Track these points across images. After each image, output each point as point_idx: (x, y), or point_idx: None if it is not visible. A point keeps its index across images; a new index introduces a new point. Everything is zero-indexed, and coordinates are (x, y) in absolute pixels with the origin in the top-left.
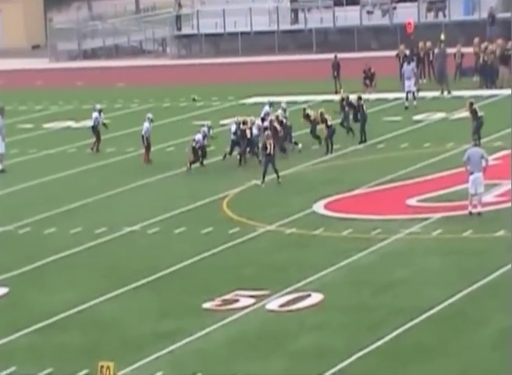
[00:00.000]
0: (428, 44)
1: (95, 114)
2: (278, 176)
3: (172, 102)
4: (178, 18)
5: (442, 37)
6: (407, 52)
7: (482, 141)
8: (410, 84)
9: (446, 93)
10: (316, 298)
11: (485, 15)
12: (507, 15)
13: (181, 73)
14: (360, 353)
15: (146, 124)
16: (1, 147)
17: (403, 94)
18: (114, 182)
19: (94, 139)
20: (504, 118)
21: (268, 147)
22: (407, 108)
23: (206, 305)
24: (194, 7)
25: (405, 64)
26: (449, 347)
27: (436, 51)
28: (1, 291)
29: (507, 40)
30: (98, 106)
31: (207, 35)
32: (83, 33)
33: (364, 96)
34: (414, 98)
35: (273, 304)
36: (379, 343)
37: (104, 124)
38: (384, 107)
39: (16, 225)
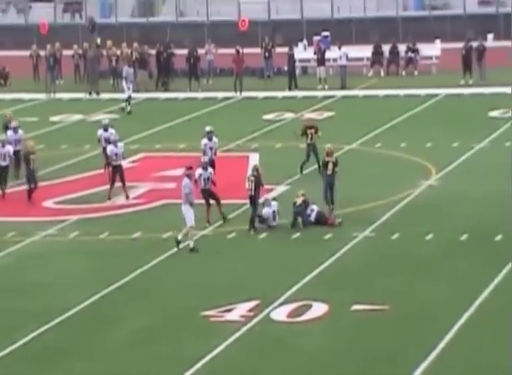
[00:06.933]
0: (57, 45)
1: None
2: None
3: None
4: None
5: (99, 41)
6: (41, 53)
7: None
8: (131, 87)
9: (94, 94)
10: None
11: (121, 19)
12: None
13: None
14: None
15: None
16: None
17: (39, 95)
18: None
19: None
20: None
21: None
22: (123, 109)
23: None
24: None
25: (126, 67)
26: (85, 348)
27: (90, 53)
28: None
29: (143, 43)
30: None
31: None
32: None
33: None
34: (129, 103)
35: None
36: (13, 347)
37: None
38: (21, 107)
39: None
